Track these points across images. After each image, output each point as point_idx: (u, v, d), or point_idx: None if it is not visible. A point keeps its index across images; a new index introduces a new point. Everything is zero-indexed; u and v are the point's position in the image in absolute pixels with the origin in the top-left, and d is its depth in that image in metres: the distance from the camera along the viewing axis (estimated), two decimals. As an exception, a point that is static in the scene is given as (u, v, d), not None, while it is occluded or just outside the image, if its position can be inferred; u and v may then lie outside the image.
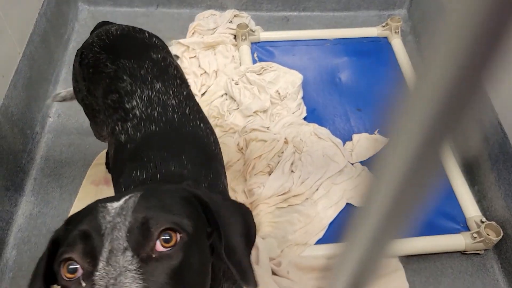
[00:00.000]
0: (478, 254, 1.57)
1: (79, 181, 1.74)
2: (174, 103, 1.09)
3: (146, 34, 1.24)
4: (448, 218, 1.62)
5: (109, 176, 1.48)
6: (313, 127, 1.88)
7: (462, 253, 1.57)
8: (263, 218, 1.60)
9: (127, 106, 1.09)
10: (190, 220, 0.64)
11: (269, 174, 1.72)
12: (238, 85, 2.00)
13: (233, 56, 2.15)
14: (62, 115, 1.94)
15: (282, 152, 1.78)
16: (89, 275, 0.56)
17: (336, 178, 1.72)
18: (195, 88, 2.00)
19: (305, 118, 1.93)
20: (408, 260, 1.54)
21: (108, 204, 0.63)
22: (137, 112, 1.07)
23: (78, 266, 0.57)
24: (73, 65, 1.32)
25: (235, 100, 1.97)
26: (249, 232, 0.77)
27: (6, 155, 1.58)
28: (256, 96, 1.94)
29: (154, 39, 1.25)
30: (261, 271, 1.39)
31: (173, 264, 0.59)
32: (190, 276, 0.61)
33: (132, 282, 0.54)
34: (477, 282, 1.52)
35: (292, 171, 1.73)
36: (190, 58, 2.15)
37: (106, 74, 1.16)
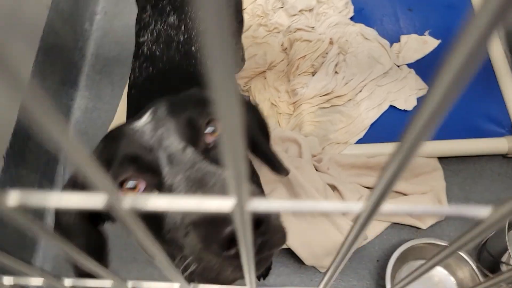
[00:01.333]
0: (520, 158, 1.57)
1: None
2: (182, 39, 1.03)
3: None
4: (494, 122, 1.61)
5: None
6: (360, 27, 1.82)
7: (504, 156, 1.58)
8: (306, 117, 1.64)
9: (141, 40, 1.06)
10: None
11: (313, 75, 1.72)
12: (284, -18, 1.93)
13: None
14: (109, 13, 1.96)
15: (327, 53, 1.76)
16: (158, 185, 0.60)
17: (381, 80, 1.70)
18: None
19: (351, 18, 1.87)
20: (448, 161, 1.57)
21: (136, 125, 0.64)
22: (145, 49, 1.03)
23: (136, 182, 0.60)
24: None
25: (280, -2, 1.91)
26: (264, 127, 0.83)
27: (60, 51, 1.65)
28: (302, -6, 1.88)
29: None
30: (304, 164, 1.47)
31: None
32: None
33: (205, 166, 0.58)
34: (515, 184, 1.54)
35: (336, 72, 1.72)
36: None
37: (141, 2, 1.13)
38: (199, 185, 0.55)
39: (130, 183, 0.60)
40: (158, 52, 1.04)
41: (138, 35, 1.11)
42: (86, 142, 1.70)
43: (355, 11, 1.89)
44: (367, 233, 1.46)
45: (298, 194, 1.44)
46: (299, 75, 1.72)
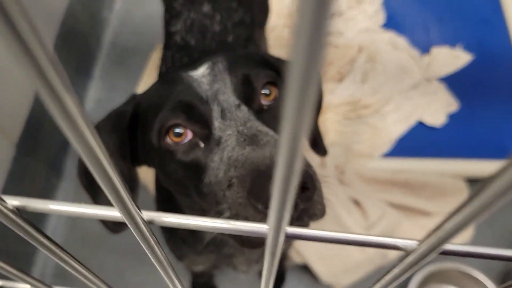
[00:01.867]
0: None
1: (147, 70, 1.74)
2: (217, 29, 1.01)
3: None
4: (524, 145, 1.55)
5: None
6: (390, 36, 1.76)
7: (533, 182, 1.52)
8: (330, 126, 1.57)
9: (172, 29, 1.02)
10: (279, 78, 0.67)
11: (339, 82, 1.65)
12: (313, -17, 1.86)
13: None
14: (128, 1, 1.88)
15: (354, 60, 1.69)
16: (205, 137, 0.60)
17: (409, 92, 1.64)
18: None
19: (382, 25, 1.80)
20: (473, 183, 1.51)
21: (193, 74, 0.64)
22: (178, 39, 1.00)
23: (183, 131, 0.60)
24: None
25: (308, 0, 1.84)
26: (320, 98, 0.79)
27: (78, 37, 1.57)
28: (332, -4, 1.81)
29: None
30: (327, 175, 1.40)
31: (279, 113, 0.61)
32: None
33: (258, 125, 0.58)
34: (543, 212, 1.48)
35: (363, 81, 1.66)
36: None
37: None
38: (250, 142, 0.55)
39: (177, 130, 0.60)
40: (193, 42, 1.00)
41: (168, 23, 1.05)
42: (97, 135, 1.63)
43: (386, 18, 1.82)
44: (388, 252, 1.39)
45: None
46: (325, 81, 1.65)
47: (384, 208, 1.42)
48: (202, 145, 0.60)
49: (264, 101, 0.64)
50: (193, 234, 0.82)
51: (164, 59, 1.04)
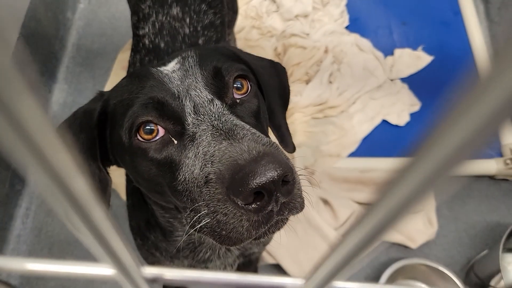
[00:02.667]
0: (507, 180, 1.58)
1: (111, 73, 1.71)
2: (188, 31, 0.99)
3: None
4: (483, 143, 1.62)
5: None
6: (355, 37, 1.79)
7: (491, 178, 1.59)
8: (298, 126, 1.59)
9: (140, 32, 1.00)
10: (250, 71, 0.67)
11: (307, 83, 1.68)
12: (279, -15, 1.87)
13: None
14: (93, 1, 1.84)
15: (321, 61, 1.72)
16: (178, 133, 0.59)
17: (374, 93, 1.68)
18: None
19: (346, 27, 1.84)
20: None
21: (163, 69, 0.63)
22: (146, 42, 0.99)
23: (155, 128, 0.59)
24: None
25: (274, 2, 1.86)
26: (284, 91, 0.80)
27: (41, 39, 1.53)
28: (298, -1, 1.83)
29: None
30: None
31: (252, 107, 0.64)
32: (262, 118, 0.66)
33: (233, 119, 0.57)
34: (502, 206, 1.55)
35: (330, 81, 1.69)
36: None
37: None
38: (226, 136, 0.54)
39: (148, 127, 0.58)
40: (162, 45, 0.98)
41: (136, 26, 1.03)
42: (62, 139, 1.59)
43: (350, 20, 1.86)
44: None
45: (289, 207, 1.39)
46: (293, 82, 1.67)
47: (353, 207, 1.45)
48: (175, 141, 0.59)
49: (237, 95, 0.64)
50: (166, 238, 0.81)
51: (133, 63, 1.02)
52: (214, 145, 0.54)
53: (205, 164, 0.54)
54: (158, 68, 0.63)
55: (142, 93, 0.60)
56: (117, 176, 0.89)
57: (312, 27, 1.81)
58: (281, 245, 1.36)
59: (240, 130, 0.55)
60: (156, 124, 0.58)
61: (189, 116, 0.58)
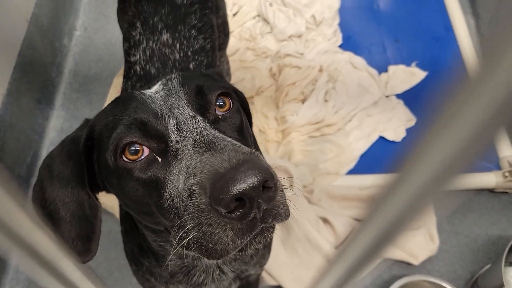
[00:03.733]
0: (506, 193, 1.58)
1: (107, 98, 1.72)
2: (178, 57, 1.00)
3: None
4: (481, 156, 1.62)
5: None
6: (349, 55, 1.81)
7: (491, 191, 1.58)
8: (296, 145, 1.59)
9: (132, 59, 1.01)
10: (231, 89, 0.69)
11: (303, 102, 1.69)
12: (272, 7, 1.90)
13: (267, -26, 2.03)
14: (89, 28, 1.87)
15: (316, 80, 1.73)
16: (162, 151, 0.59)
17: (370, 110, 1.69)
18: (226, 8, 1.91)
19: (340, 46, 1.86)
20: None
21: (147, 92, 0.64)
22: (138, 68, 1.00)
23: (139, 148, 0.59)
24: None
25: (268, 23, 1.88)
26: (248, 111, 0.83)
27: (38, 67, 1.54)
28: (291, 19, 1.86)
29: None
30: (294, 196, 1.41)
31: (235, 123, 0.66)
32: (246, 133, 0.68)
33: (214, 133, 0.58)
34: (503, 218, 1.55)
35: (325, 100, 1.70)
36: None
37: (127, 17, 1.07)
38: (207, 148, 0.55)
39: (133, 148, 0.59)
40: (153, 71, 0.99)
41: (128, 53, 1.04)
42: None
43: (343, 38, 1.88)
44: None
45: (290, 226, 1.38)
46: (288, 102, 1.68)
47: (352, 225, 1.44)
48: (159, 159, 0.59)
49: (219, 112, 0.65)
50: (158, 263, 0.81)
51: (125, 89, 1.02)
52: (196, 157, 0.54)
53: (188, 177, 0.54)
54: (142, 91, 0.65)
55: (125, 115, 0.60)
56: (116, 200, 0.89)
57: (306, 47, 1.83)
58: (281, 265, 1.35)
59: (221, 141, 0.55)
60: (140, 144, 0.59)
61: (172, 134, 0.59)
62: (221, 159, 0.51)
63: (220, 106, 0.65)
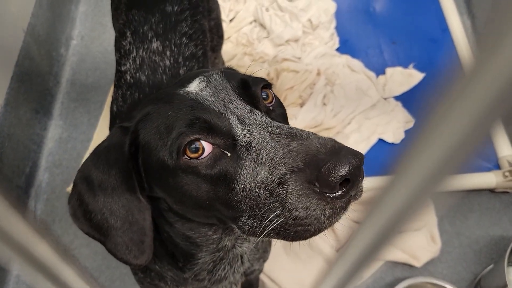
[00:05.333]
0: (507, 192, 1.58)
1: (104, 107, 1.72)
2: (168, 64, 1.00)
3: None
4: (481, 157, 1.61)
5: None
6: (346, 59, 1.82)
7: (491, 191, 1.58)
8: (295, 150, 1.59)
9: (122, 69, 1.01)
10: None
11: (301, 106, 1.69)
12: (269, 12, 1.91)
13: (262, -20, 2.03)
14: (86, 37, 1.87)
15: (314, 84, 1.73)
16: (229, 146, 0.59)
17: (369, 112, 1.69)
18: (222, 14, 1.92)
19: (337, 49, 1.86)
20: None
21: (191, 89, 0.65)
22: (128, 77, 0.99)
23: (199, 145, 0.59)
24: None
25: (265, 28, 1.89)
26: None
27: (35, 77, 1.54)
28: (288, 24, 1.86)
29: None
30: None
31: (283, 114, 0.68)
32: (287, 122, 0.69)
33: (282, 125, 0.59)
34: (504, 218, 1.54)
35: (324, 103, 1.70)
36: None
37: (118, 25, 1.07)
38: (292, 138, 0.55)
39: (193, 147, 0.59)
40: (143, 78, 0.99)
41: (119, 62, 1.04)
42: (60, 175, 1.58)
43: (340, 42, 1.89)
44: (361, 271, 1.41)
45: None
46: (287, 106, 1.67)
47: (352, 227, 1.43)
48: (228, 154, 0.59)
49: (267, 104, 0.66)
50: (177, 265, 0.79)
51: (115, 98, 1.01)
52: (282, 148, 0.55)
53: (274, 167, 0.55)
54: (184, 89, 0.65)
55: (182, 115, 0.61)
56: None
57: (303, 51, 1.83)
58: (282, 269, 1.34)
59: (300, 131, 0.57)
60: (202, 141, 0.59)
61: (237, 128, 0.60)
62: (315, 146, 0.53)
63: (264, 99, 0.66)
